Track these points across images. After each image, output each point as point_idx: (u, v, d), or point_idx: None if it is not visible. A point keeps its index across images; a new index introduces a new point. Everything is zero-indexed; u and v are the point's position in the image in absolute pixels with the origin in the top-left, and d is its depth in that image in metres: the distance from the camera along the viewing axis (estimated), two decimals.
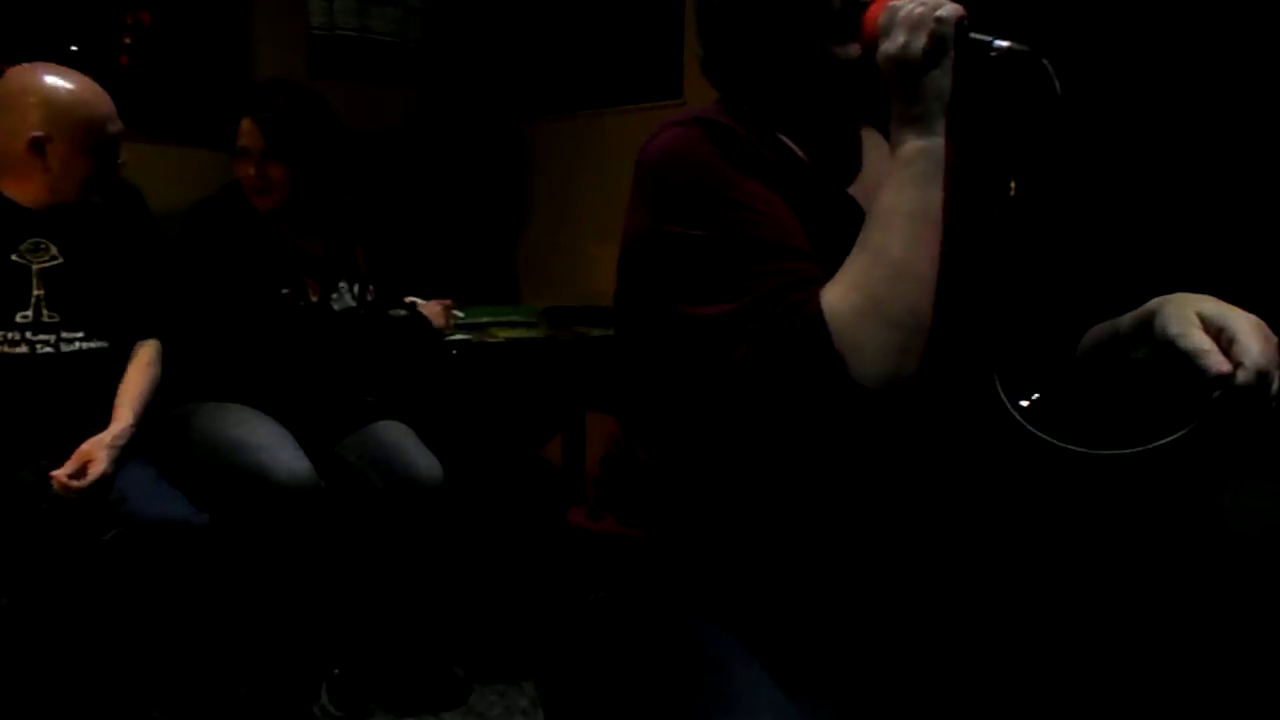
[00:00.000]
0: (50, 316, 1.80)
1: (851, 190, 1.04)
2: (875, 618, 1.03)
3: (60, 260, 1.83)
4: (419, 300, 2.37)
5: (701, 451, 1.02)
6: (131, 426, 1.79)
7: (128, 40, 2.59)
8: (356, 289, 2.27)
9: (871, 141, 1.10)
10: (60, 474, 1.66)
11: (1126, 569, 1.38)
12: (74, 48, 2.50)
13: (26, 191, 1.83)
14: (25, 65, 1.86)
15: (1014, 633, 1.07)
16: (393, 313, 2.29)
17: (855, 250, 0.89)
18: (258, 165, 2.11)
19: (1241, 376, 0.83)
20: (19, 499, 1.69)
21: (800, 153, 1.03)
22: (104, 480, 1.70)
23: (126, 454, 1.76)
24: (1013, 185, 1.07)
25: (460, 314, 2.49)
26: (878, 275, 0.86)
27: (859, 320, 0.84)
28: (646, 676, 1.00)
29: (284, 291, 2.11)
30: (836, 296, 0.86)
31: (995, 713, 1.02)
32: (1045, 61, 0.90)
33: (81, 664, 1.78)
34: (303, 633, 2.06)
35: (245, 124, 2.13)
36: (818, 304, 0.85)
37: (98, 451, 1.71)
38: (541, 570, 2.18)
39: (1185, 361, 0.87)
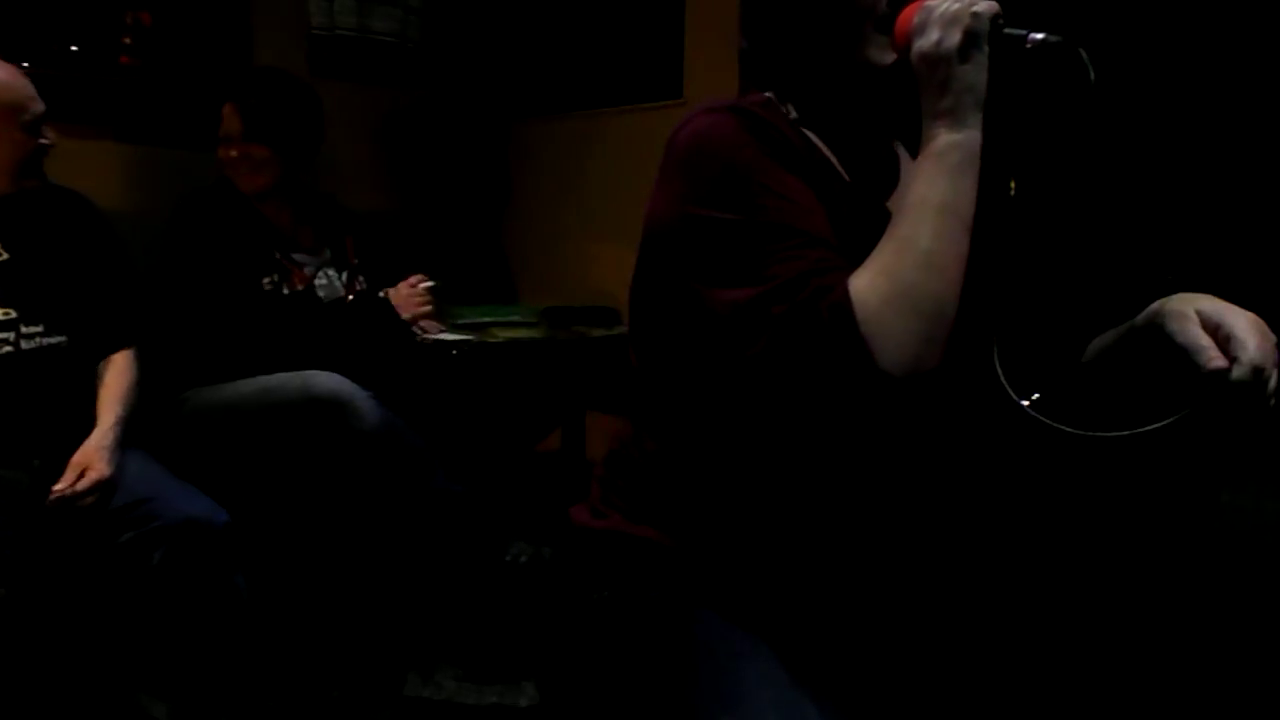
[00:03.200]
0: (5, 313, 1.78)
1: (887, 203, 1.04)
2: (882, 616, 1.03)
3: (7, 256, 1.82)
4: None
5: (717, 440, 1.02)
6: (116, 425, 1.78)
7: (128, 40, 2.59)
8: (345, 277, 2.27)
9: (907, 159, 1.10)
10: (60, 488, 1.66)
11: (1126, 568, 1.38)
12: (74, 48, 2.51)
13: None
14: None
15: (1016, 631, 1.07)
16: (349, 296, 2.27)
17: (884, 240, 0.90)
18: (239, 147, 2.14)
19: (1237, 372, 0.84)
20: (14, 500, 1.69)
21: (832, 158, 1.04)
22: (107, 483, 1.69)
23: (118, 453, 1.76)
24: (1012, 185, 1.07)
25: (432, 283, 2.37)
26: (906, 265, 0.87)
27: (885, 308, 0.85)
28: (650, 676, 1.00)
29: (267, 280, 2.12)
30: (864, 284, 0.86)
31: (998, 710, 1.02)
32: (1081, 50, 0.90)
33: (85, 660, 1.78)
34: (304, 633, 2.06)
35: (226, 109, 2.17)
36: (844, 290, 0.85)
37: (91, 457, 1.71)
38: (541, 569, 2.19)
39: (1183, 357, 0.88)
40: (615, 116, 2.86)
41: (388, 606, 2.14)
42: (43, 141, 1.86)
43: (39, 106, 1.85)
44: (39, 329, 1.81)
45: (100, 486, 1.68)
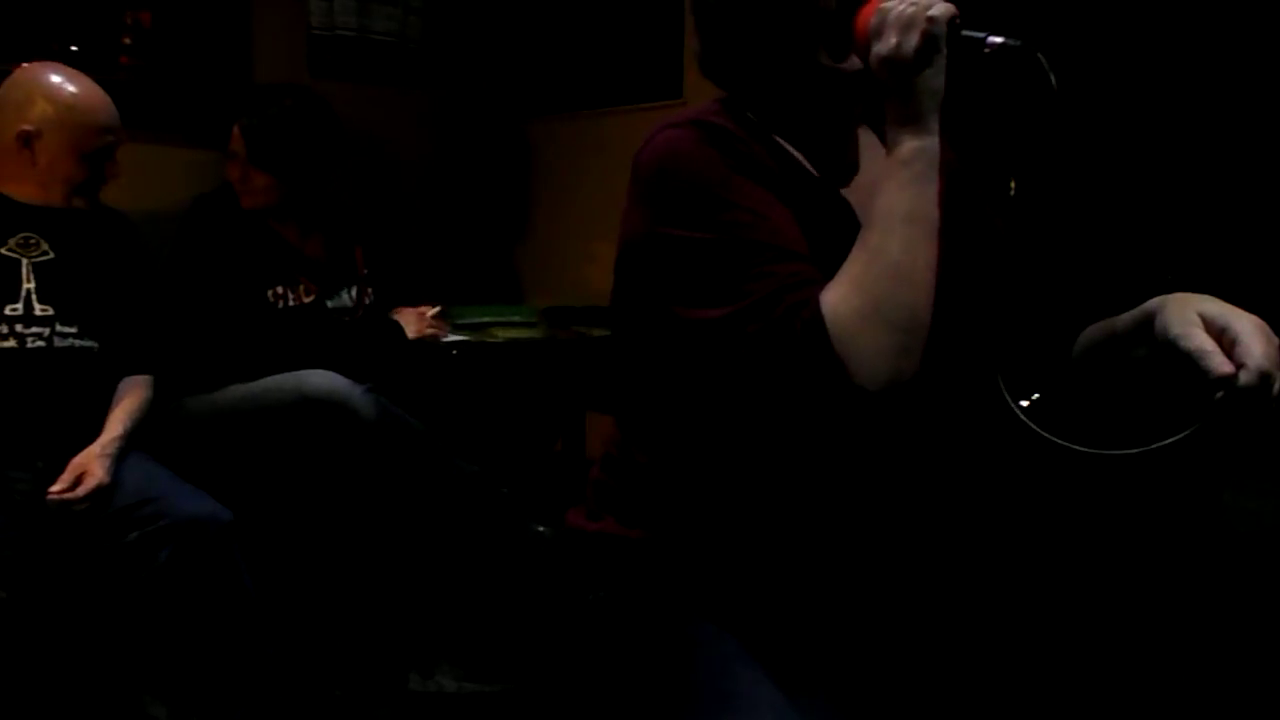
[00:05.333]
0: (43, 309, 1.81)
1: (847, 194, 1.04)
2: (875, 617, 1.03)
3: (52, 256, 1.84)
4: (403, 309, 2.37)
5: (700, 453, 1.02)
6: (121, 437, 1.79)
7: (128, 40, 2.60)
8: (354, 291, 2.27)
9: (867, 143, 1.10)
10: (56, 489, 1.66)
11: (1127, 569, 1.38)
12: (74, 48, 2.50)
13: (19, 188, 1.85)
14: (37, 63, 1.89)
15: (1013, 632, 1.07)
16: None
17: (854, 252, 0.89)
18: (241, 170, 2.15)
19: (1244, 378, 0.83)
20: (15, 502, 1.69)
21: (798, 156, 1.03)
22: (102, 490, 1.69)
23: (118, 463, 1.76)
24: (1013, 185, 1.07)
25: (438, 308, 2.44)
26: (876, 277, 0.87)
27: (859, 323, 0.84)
28: (645, 677, 1.01)
29: (274, 292, 2.12)
30: (836, 299, 0.86)
31: (994, 712, 1.02)
32: (1040, 55, 0.90)
33: (85, 661, 1.78)
34: (307, 631, 2.06)
35: (235, 129, 2.17)
36: (817, 306, 0.85)
37: (91, 462, 1.71)
38: (541, 571, 2.19)
39: (1187, 362, 0.87)
40: (615, 117, 2.86)
41: (391, 603, 2.14)
42: (106, 174, 1.91)
43: (108, 139, 1.88)
44: (73, 330, 1.84)
45: (95, 494, 1.68)
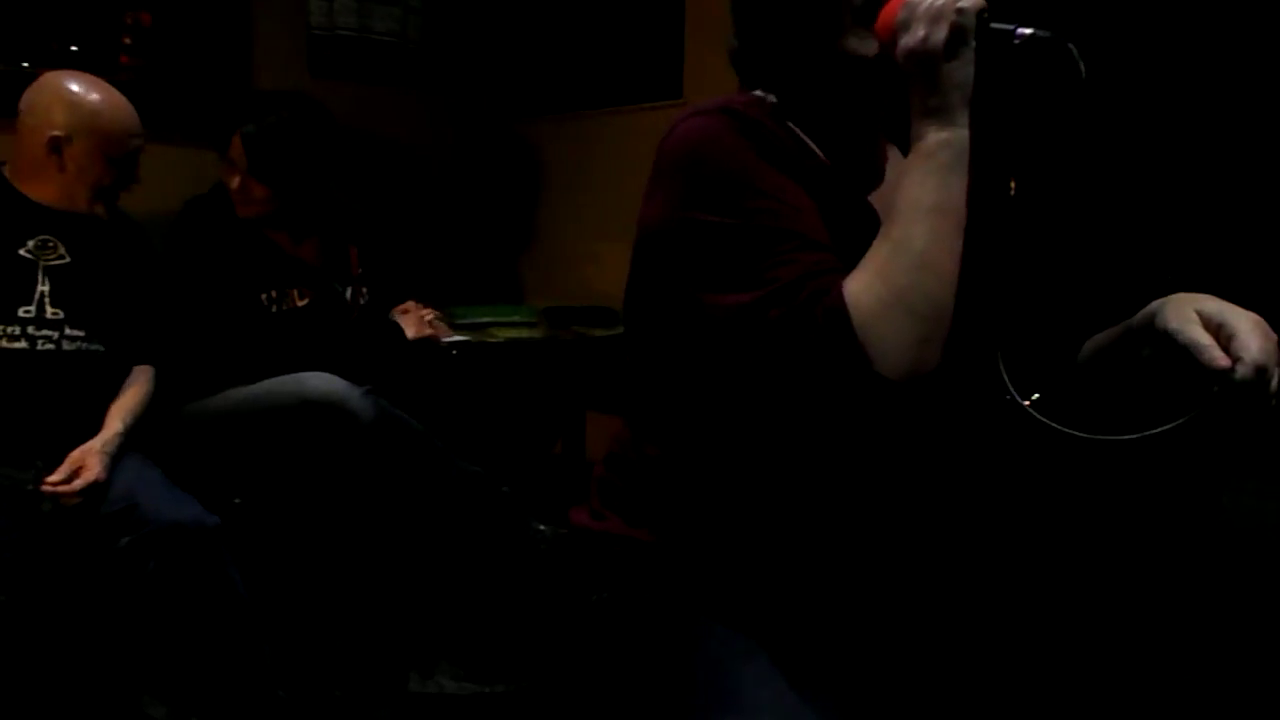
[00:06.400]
0: (54, 313, 1.84)
1: (870, 198, 1.04)
2: (883, 614, 1.03)
3: (68, 260, 1.87)
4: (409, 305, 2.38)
5: (715, 443, 1.02)
6: (121, 435, 1.81)
7: (128, 40, 2.60)
8: (349, 292, 2.27)
9: (893, 155, 1.10)
10: (53, 480, 1.68)
11: (1127, 567, 1.38)
12: (74, 48, 2.51)
13: (42, 191, 1.89)
14: (59, 71, 1.93)
15: (1016, 631, 1.07)
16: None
17: (877, 242, 0.89)
18: (241, 180, 2.15)
19: (1240, 372, 0.84)
20: (17, 501, 1.70)
21: (821, 155, 1.03)
22: (97, 485, 1.70)
23: (116, 461, 1.77)
24: (1013, 185, 1.07)
25: (440, 314, 2.47)
26: (900, 267, 0.86)
27: (882, 312, 0.84)
28: (649, 677, 1.01)
29: (268, 295, 2.12)
30: (859, 287, 0.86)
31: (998, 711, 1.02)
32: (1070, 45, 0.90)
33: (84, 663, 1.79)
34: (307, 631, 2.06)
35: (235, 139, 2.17)
36: (840, 294, 0.85)
37: (89, 458, 1.72)
38: (542, 571, 2.19)
39: (1185, 357, 0.88)
40: (615, 117, 2.86)
41: (391, 604, 2.14)
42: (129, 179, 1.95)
43: (133, 144, 1.93)
44: (81, 334, 1.87)
45: (90, 489, 1.69)
